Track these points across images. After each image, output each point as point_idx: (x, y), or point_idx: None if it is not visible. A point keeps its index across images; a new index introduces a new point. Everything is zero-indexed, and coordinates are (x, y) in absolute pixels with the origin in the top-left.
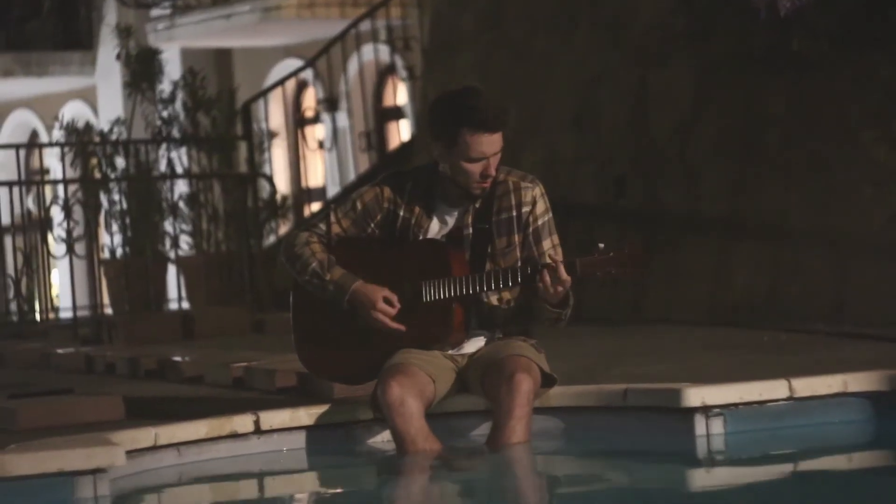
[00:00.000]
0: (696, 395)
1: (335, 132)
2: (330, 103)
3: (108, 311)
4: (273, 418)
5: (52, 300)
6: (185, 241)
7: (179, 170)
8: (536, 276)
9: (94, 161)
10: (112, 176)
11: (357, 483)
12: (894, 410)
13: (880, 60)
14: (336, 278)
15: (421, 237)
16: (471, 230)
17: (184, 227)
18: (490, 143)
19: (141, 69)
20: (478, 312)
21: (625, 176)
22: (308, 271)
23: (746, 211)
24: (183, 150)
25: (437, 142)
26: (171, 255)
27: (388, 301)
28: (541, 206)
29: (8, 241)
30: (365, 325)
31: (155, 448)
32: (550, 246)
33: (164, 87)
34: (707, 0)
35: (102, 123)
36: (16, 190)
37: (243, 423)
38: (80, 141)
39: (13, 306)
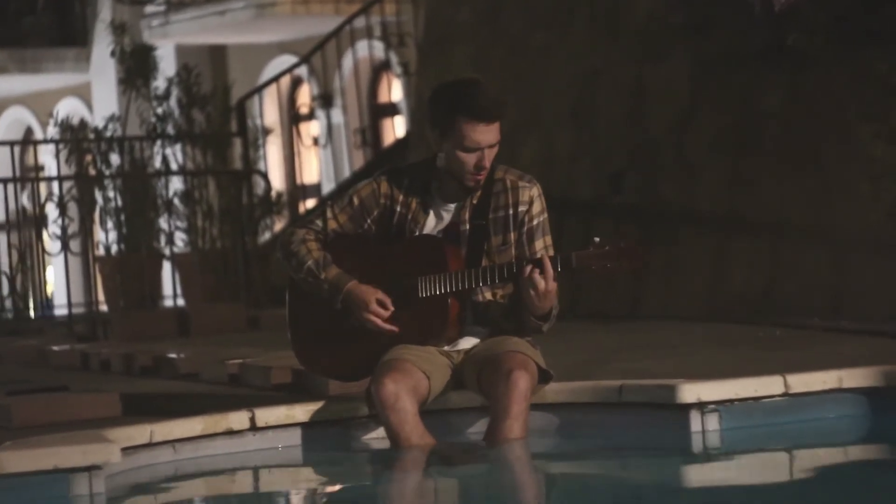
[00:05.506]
0: (691, 392)
1: (330, 129)
2: (325, 100)
3: (104, 307)
4: (268, 415)
5: (47, 297)
6: (180, 238)
7: (174, 166)
8: (531, 271)
9: (88, 158)
10: (107, 173)
11: (353, 479)
12: (889, 406)
13: (876, 56)
14: (331, 277)
15: (417, 233)
16: (467, 226)
17: (179, 223)
18: (485, 133)
19: (135, 66)
20: (473, 308)
21: (622, 172)
22: (304, 269)
23: (743, 206)
24: (178, 146)
25: (434, 130)
26: (167, 251)
27: (381, 303)
28: (537, 206)
29: (3, 238)
30: (358, 325)
31: (150, 445)
32: (543, 246)
33: (159, 83)
34: None
35: (97, 120)
36: (10, 187)
37: (239, 419)
38: (75, 138)
39: (8, 303)
